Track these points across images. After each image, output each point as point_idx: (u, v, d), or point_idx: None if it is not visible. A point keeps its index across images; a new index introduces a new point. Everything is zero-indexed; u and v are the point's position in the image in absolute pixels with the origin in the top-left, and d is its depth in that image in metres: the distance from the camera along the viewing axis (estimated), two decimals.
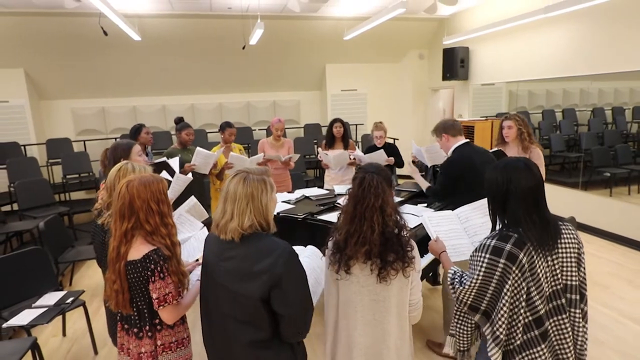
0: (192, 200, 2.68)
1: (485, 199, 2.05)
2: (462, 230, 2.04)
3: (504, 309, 1.46)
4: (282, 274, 1.40)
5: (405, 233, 1.64)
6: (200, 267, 1.74)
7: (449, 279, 1.66)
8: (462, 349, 1.69)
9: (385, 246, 1.59)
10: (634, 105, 4.96)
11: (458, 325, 1.69)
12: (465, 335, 1.68)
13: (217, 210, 1.52)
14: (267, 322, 1.47)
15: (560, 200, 5.60)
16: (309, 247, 2.01)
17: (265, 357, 1.50)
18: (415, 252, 1.67)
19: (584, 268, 1.57)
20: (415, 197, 3.61)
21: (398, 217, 1.65)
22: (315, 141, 7.96)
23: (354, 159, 4.31)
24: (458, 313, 1.68)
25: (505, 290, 1.46)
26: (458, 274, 1.64)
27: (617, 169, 5.12)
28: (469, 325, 1.66)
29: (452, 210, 2.27)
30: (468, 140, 2.85)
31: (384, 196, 1.61)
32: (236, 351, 1.52)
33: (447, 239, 2.05)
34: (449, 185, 2.80)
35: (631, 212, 4.80)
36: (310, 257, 1.92)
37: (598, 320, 3.32)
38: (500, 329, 1.47)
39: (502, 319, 1.46)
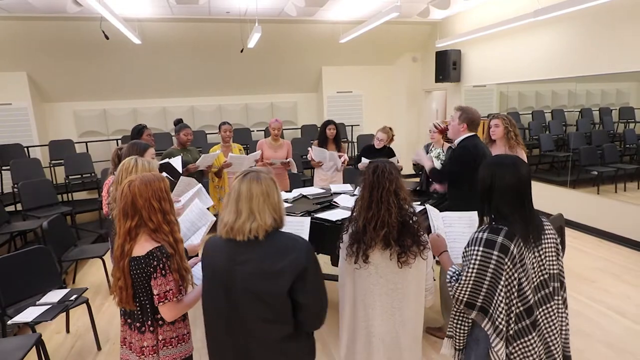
0: (198, 186, 2.83)
1: (473, 213, 2.13)
2: (443, 233, 2.06)
3: (502, 300, 1.50)
4: (306, 267, 1.44)
5: (416, 218, 1.70)
6: (200, 264, 1.74)
7: (447, 278, 1.68)
8: (458, 347, 1.73)
9: (402, 231, 1.63)
10: (620, 106, 5.08)
11: (456, 326, 1.71)
12: (462, 335, 1.71)
13: (228, 211, 1.48)
14: (291, 314, 1.49)
15: (549, 197, 5.72)
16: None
17: (290, 349, 1.53)
18: (426, 236, 1.73)
19: (562, 258, 1.66)
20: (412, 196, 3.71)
21: (410, 203, 1.70)
22: (312, 142, 8.01)
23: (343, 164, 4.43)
24: (455, 314, 1.70)
25: (501, 282, 1.49)
26: (457, 273, 1.65)
27: (604, 167, 5.22)
28: (466, 325, 1.69)
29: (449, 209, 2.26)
30: (475, 134, 2.85)
31: (397, 181, 1.68)
32: (260, 350, 1.51)
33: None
34: (456, 172, 2.75)
35: (618, 210, 4.91)
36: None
37: (585, 313, 3.38)
38: (502, 322, 1.50)
39: (502, 311, 1.50)
